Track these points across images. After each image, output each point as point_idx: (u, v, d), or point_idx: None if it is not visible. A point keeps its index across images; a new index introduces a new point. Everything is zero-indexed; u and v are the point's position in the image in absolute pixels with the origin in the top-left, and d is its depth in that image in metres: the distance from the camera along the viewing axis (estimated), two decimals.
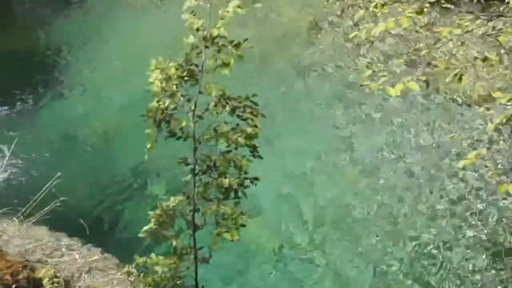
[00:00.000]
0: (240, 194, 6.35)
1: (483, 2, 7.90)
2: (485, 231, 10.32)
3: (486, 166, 10.69)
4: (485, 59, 6.03)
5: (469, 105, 12.60)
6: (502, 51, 10.61)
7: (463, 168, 10.54)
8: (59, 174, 8.29)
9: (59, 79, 14.68)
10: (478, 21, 7.03)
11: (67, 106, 13.80)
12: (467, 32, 6.43)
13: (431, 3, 6.39)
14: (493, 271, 9.84)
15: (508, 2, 8.15)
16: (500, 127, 9.45)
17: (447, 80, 6.32)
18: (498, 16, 7.09)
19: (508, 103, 8.76)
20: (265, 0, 15.08)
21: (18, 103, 13.68)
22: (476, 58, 6.32)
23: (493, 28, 6.94)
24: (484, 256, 9.90)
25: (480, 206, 10.68)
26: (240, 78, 5.78)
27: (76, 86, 14.41)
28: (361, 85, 6.12)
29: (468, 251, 10.10)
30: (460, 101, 12.53)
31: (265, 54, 14.08)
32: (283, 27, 15.51)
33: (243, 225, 6.34)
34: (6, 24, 16.46)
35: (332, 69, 14.22)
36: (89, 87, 14.39)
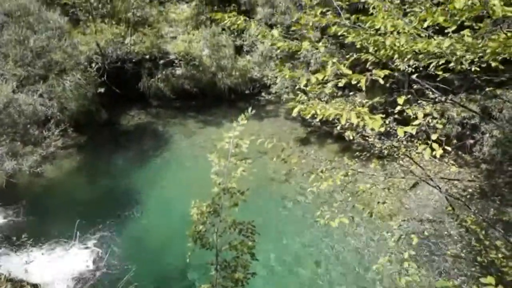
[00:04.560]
0: (244, 283, 6.24)
1: (380, 168, 8.21)
2: None
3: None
4: (384, 202, 6.24)
5: (381, 219, 12.47)
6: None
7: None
8: (134, 268, 8.14)
9: (135, 205, 14.44)
10: (381, 178, 7.32)
11: (139, 221, 13.59)
12: (374, 185, 6.67)
13: (353, 169, 6.64)
14: None
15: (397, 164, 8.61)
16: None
17: (365, 214, 6.47)
18: (389, 177, 7.38)
19: (402, 223, 8.91)
20: (258, 163, 15.28)
21: (118, 219, 13.54)
22: (378, 202, 6.50)
23: (391, 182, 7.20)
24: None
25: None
26: (242, 205, 5.93)
27: (145, 209, 14.19)
28: (315, 220, 6.23)
29: None
30: (374, 224, 12.41)
31: (255, 189, 14.05)
32: (267, 174, 15.72)
33: None
34: (108, 172, 16.65)
35: (299, 198, 14.25)
36: (152, 211, 14.17)
